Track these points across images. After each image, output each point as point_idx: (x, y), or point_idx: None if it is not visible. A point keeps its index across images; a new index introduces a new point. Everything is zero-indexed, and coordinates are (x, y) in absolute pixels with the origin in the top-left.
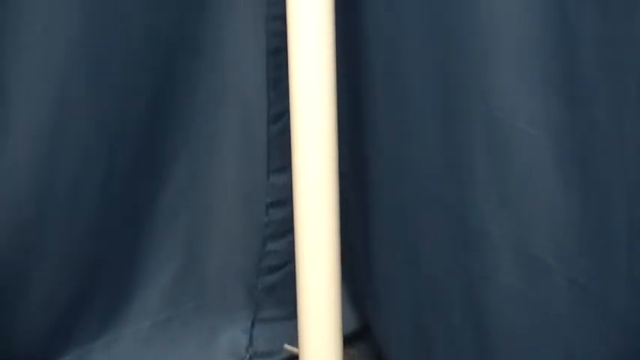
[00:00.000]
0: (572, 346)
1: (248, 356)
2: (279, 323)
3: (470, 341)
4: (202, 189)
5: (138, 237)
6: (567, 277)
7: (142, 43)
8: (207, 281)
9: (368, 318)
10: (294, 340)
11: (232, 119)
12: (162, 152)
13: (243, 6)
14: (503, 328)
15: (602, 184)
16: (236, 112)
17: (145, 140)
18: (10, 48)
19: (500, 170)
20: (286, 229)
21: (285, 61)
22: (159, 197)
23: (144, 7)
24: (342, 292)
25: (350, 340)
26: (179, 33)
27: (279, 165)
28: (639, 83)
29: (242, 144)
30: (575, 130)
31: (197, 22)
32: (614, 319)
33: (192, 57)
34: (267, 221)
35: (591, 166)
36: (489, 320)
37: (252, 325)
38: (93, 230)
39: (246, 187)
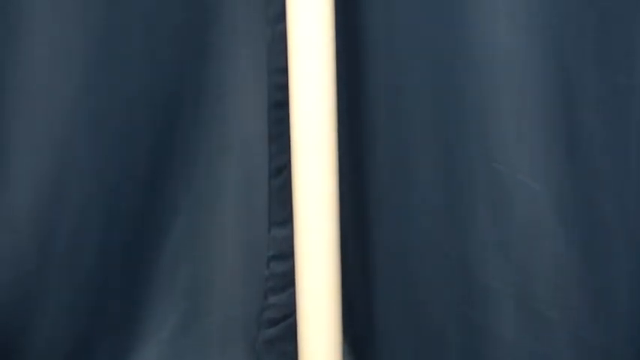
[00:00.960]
0: None
1: None
2: None
3: None
4: (203, 242)
5: (138, 290)
6: (570, 331)
7: (143, 95)
8: (207, 334)
9: None
10: None
11: (233, 172)
12: (162, 205)
13: (245, 57)
14: None
15: (604, 236)
16: (237, 165)
17: (145, 192)
18: (12, 99)
19: (502, 222)
20: (287, 282)
21: (287, 114)
22: (159, 250)
23: (145, 60)
24: (343, 346)
25: None
26: (180, 84)
27: (281, 218)
28: None
29: (243, 197)
30: (576, 182)
31: (198, 73)
32: None
33: (193, 109)
34: (268, 274)
35: (593, 219)
36: None
37: None
38: (93, 283)
39: (248, 240)
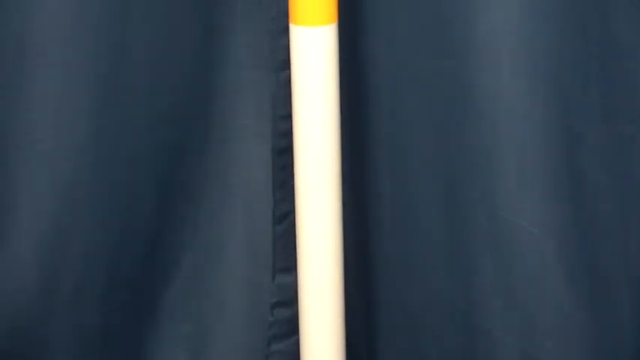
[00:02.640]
0: None
1: None
2: None
3: None
4: (206, 289)
5: (141, 335)
6: None
7: (146, 140)
8: None
9: None
10: None
11: (237, 219)
12: (166, 252)
13: (249, 104)
14: None
15: (607, 285)
16: (241, 212)
17: (149, 240)
18: (15, 154)
19: (505, 270)
20: (291, 329)
21: (291, 161)
22: (162, 297)
23: (149, 105)
24: None
25: None
26: (184, 130)
27: (285, 265)
28: None
29: (247, 244)
30: (579, 231)
31: (202, 119)
32: None
33: (198, 156)
34: (272, 321)
35: (596, 268)
36: None
37: None
38: (96, 328)
39: (251, 286)
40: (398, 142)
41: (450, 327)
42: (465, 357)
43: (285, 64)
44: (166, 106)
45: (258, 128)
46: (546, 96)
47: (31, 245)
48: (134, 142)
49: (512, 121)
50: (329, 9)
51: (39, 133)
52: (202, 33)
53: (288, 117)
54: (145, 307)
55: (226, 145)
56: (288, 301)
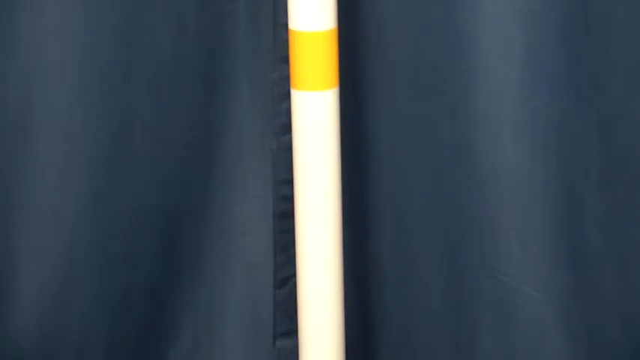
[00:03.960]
0: None
1: None
2: None
3: None
4: (207, 352)
5: None
6: None
7: (147, 208)
8: None
9: None
10: None
11: (238, 282)
12: (167, 316)
13: (250, 169)
14: None
15: (607, 350)
16: (242, 276)
17: (150, 304)
18: (18, 200)
19: (505, 332)
20: None
21: (292, 225)
22: None
23: (150, 172)
24: None
25: None
26: (185, 198)
27: (286, 329)
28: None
29: (248, 307)
30: (580, 295)
31: (204, 185)
32: None
33: (199, 219)
34: None
35: (597, 332)
36: None
37: None
38: None
39: (252, 350)
40: (399, 205)
41: None
42: None
43: (287, 129)
44: (168, 170)
45: (259, 192)
46: (546, 162)
47: (31, 301)
48: (135, 206)
49: (513, 186)
50: (330, 74)
51: (43, 183)
52: (204, 98)
53: (289, 181)
54: None
55: (227, 208)
56: None
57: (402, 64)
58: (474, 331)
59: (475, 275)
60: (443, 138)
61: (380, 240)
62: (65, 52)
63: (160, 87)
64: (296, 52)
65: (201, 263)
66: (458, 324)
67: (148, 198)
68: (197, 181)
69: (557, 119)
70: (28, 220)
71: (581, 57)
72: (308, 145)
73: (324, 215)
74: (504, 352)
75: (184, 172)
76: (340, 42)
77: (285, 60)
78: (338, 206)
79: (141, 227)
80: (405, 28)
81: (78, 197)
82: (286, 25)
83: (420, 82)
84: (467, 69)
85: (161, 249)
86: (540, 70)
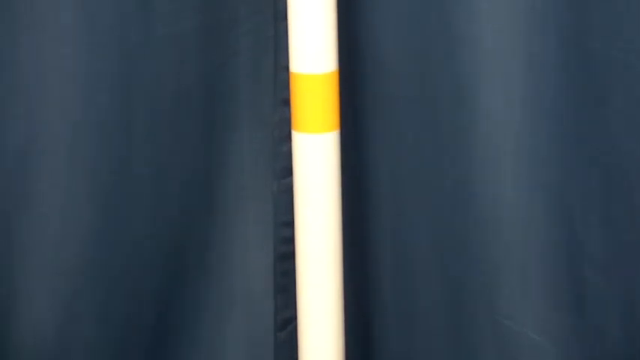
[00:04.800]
0: None
1: None
2: None
3: None
4: None
5: None
6: None
7: (149, 249)
8: None
9: None
10: None
11: (239, 325)
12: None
13: (251, 212)
14: None
15: None
16: (242, 318)
17: (150, 347)
18: (20, 245)
19: None
20: None
21: (293, 267)
22: None
23: (151, 214)
24: None
25: None
26: (186, 239)
27: None
28: None
29: (248, 350)
30: (581, 339)
31: (204, 227)
32: None
33: (200, 262)
34: None
35: None
36: None
37: None
38: None
39: None
40: (400, 246)
41: None
42: None
43: (287, 171)
44: (168, 214)
45: (259, 234)
46: (547, 201)
47: (29, 344)
48: (135, 247)
49: (514, 226)
50: (331, 116)
51: (46, 226)
52: (204, 140)
53: (289, 224)
54: None
55: (228, 250)
56: None
57: (403, 105)
58: None
59: (476, 318)
60: (444, 178)
61: (381, 281)
62: (65, 97)
63: (160, 130)
64: (297, 95)
65: (201, 306)
66: None
67: (149, 242)
68: (197, 222)
69: (557, 158)
70: (29, 269)
71: (582, 96)
72: (309, 187)
73: (324, 258)
74: None
75: (185, 214)
76: (341, 84)
77: (286, 102)
78: (339, 249)
79: (140, 272)
80: (405, 69)
81: (77, 245)
82: (287, 67)
83: (421, 122)
84: (467, 108)
85: (161, 293)
86: (541, 109)
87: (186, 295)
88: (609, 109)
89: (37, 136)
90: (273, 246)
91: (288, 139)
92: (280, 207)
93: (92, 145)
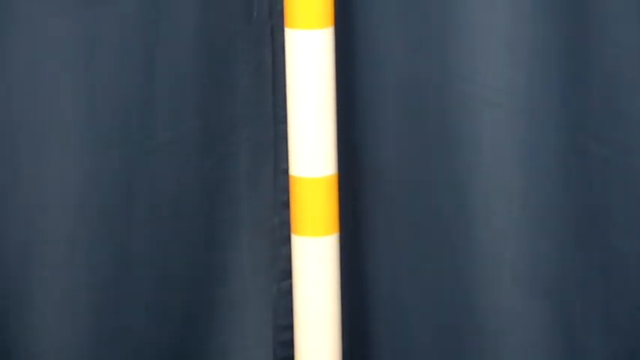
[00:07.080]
0: None
1: None
2: None
3: None
4: None
5: None
6: None
7: (148, 354)
8: None
9: None
10: None
11: None
12: None
13: (249, 315)
14: None
15: None
16: None
17: None
18: (20, 332)
19: None
20: None
21: None
22: None
23: (150, 316)
24: None
25: None
26: (185, 342)
27: None
28: None
29: None
30: None
31: (204, 328)
32: None
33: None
34: None
35: None
36: None
37: None
38: None
39: None
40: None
41: None
42: None
43: (286, 274)
44: (166, 316)
45: (258, 338)
46: (546, 307)
47: None
48: (134, 342)
49: (514, 327)
50: (330, 220)
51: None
52: (204, 242)
53: (289, 327)
54: None
55: (227, 355)
56: None
57: (402, 208)
58: None
59: None
60: (443, 282)
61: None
62: (65, 193)
63: (160, 233)
64: (296, 198)
65: None
66: None
67: (148, 346)
68: (197, 326)
69: (557, 263)
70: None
71: (581, 204)
72: (308, 290)
73: (324, 355)
74: None
75: (183, 317)
76: (340, 187)
77: (285, 205)
78: (338, 353)
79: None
80: (404, 173)
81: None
82: (286, 170)
83: (420, 226)
84: (466, 210)
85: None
86: (541, 216)
87: None
88: (610, 215)
89: (37, 228)
90: (272, 350)
91: (287, 241)
92: (279, 310)
93: (90, 244)
